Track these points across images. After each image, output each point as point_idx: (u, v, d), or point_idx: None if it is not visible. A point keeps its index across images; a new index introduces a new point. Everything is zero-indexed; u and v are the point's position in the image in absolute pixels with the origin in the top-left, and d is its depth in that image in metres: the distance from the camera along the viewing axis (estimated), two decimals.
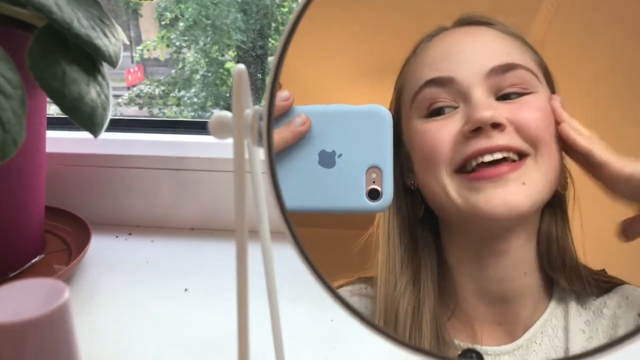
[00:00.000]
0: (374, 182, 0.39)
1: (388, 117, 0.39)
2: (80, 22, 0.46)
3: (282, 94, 0.38)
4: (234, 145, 0.33)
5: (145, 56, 1.11)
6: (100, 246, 0.66)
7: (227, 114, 0.34)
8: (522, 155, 0.39)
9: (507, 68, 0.40)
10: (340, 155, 0.39)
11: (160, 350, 0.49)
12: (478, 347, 0.42)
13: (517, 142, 0.39)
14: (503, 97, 0.40)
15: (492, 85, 0.40)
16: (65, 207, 0.68)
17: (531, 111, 0.40)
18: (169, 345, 0.50)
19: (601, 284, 0.41)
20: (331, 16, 0.43)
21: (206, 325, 0.52)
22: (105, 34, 0.48)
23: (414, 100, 0.42)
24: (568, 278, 0.41)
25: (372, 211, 0.39)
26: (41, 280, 0.31)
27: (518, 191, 0.39)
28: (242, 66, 0.33)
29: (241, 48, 0.94)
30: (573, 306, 0.41)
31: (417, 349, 0.39)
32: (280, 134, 0.38)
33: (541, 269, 0.42)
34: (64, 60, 0.45)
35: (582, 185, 0.41)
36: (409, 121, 0.42)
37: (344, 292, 0.44)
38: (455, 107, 0.40)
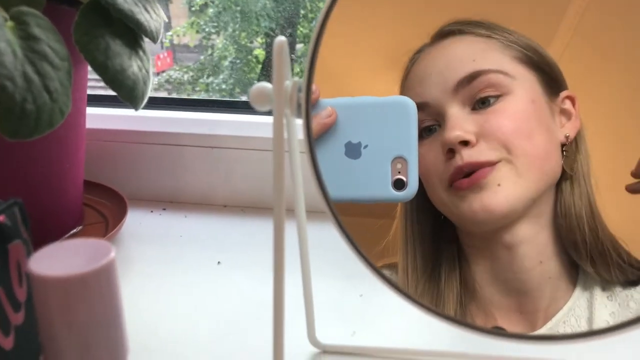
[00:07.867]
0: (399, 172, 0.40)
1: (413, 107, 0.40)
2: None
3: None
4: (274, 115, 0.34)
5: (175, 42, 1.11)
6: (135, 220, 0.67)
7: (268, 85, 0.35)
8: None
9: (472, 77, 0.41)
10: (366, 147, 0.40)
11: (193, 319, 0.51)
12: None
13: (485, 155, 0.40)
14: (481, 103, 0.41)
15: (463, 98, 0.41)
16: (103, 181, 0.70)
17: (499, 119, 0.41)
18: (202, 315, 0.51)
19: (631, 274, 0.41)
20: (359, 8, 0.43)
21: (239, 296, 0.54)
22: (147, 10, 0.49)
23: None
24: (592, 260, 0.41)
25: (398, 200, 0.40)
26: (89, 240, 0.33)
27: (493, 194, 0.40)
28: (282, 38, 0.34)
29: (270, 35, 0.94)
30: (598, 296, 0.41)
31: (449, 318, 0.40)
32: None
33: (561, 254, 0.42)
34: (107, 35, 0.46)
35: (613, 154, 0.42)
36: None
37: None
38: (440, 126, 0.42)
